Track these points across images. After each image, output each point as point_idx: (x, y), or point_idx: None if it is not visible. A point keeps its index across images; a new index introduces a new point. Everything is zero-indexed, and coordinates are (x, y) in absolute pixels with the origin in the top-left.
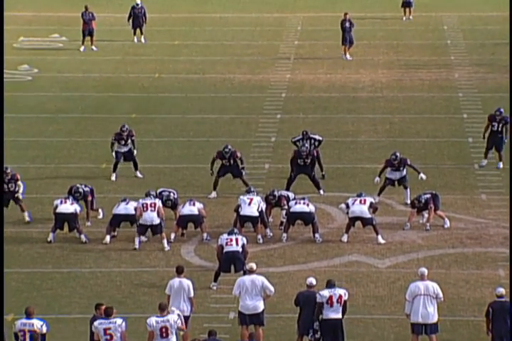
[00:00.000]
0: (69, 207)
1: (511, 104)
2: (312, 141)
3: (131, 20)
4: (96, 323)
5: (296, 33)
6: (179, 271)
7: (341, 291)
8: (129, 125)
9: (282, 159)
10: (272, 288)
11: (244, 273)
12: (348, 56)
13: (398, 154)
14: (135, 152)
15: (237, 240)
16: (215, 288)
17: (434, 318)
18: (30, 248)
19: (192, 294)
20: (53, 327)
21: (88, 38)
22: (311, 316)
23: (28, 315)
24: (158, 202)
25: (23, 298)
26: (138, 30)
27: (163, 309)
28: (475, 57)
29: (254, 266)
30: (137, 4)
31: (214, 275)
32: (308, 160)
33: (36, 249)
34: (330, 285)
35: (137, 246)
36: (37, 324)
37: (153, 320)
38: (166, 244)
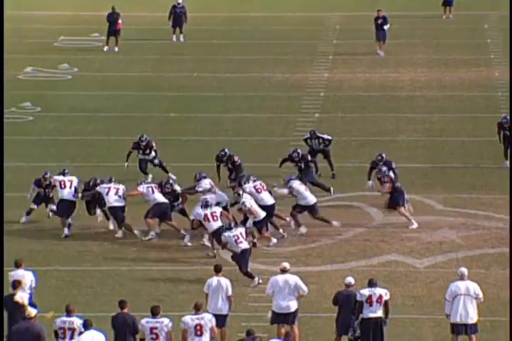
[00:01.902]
0: (120, 199)
1: (511, 104)
2: (321, 140)
3: (171, 20)
4: (143, 321)
5: (334, 32)
6: (217, 270)
7: (382, 291)
8: (167, 124)
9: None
10: (305, 288)
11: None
12: (381, 53)
13: (384, 155)
14: (157, 161)
15: (242, 235)
16: (256, 282)
17: (473, 318)
18: (70, 246)
19: (230, 293)
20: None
21: (113, 39)
22: (350, 315)
23: (69, 313)
24: None
25: (62, 295)
26: (177, 30)
27: (198, 309)
28: None
29: (287, 265)
30: (178, 3)
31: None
32: (302, 165)
33: (76, 247)
34: (371, 284)
35: (187, 243)
36: (77, 322)
37: (188, 318)
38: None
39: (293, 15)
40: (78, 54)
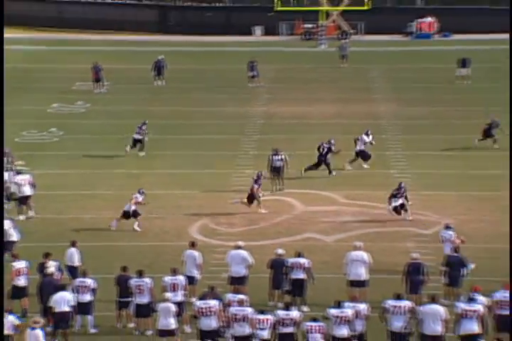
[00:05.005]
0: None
1: (511, 107)
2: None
3: None
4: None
5: None
6: (193, 244)
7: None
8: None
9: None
10: (250, 259)
11: None
12: None
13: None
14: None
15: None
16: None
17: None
18: None
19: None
20: None
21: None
22: (281, 276)
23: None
24: None
25: None
26: None
27: (174, 271)
28: None
29: (241, 243)
30: None
31: None
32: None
33: None
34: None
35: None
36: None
37: (168, 279)
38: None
39: None
40: None
